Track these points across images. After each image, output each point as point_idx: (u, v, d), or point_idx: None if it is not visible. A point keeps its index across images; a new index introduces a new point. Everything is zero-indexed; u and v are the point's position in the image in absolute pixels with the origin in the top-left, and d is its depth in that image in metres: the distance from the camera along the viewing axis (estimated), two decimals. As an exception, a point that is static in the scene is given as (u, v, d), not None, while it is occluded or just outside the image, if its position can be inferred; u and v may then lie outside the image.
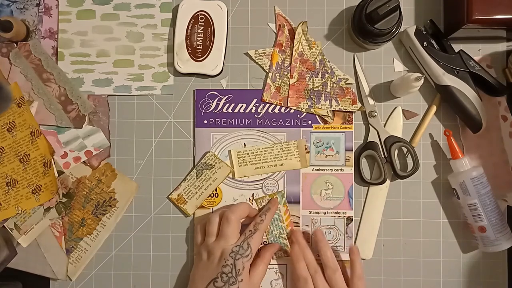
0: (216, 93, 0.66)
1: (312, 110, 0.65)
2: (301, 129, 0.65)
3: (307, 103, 0.65)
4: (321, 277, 0.59)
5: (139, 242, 0.66)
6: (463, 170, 0.62)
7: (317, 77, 0.65)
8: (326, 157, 0.65)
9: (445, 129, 0.64)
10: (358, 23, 0.62)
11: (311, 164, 0.65)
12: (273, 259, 0.64)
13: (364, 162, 0.65)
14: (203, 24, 0.65)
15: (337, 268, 0.60)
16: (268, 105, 0.66)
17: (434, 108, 0.65)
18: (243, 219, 0.62)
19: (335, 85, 0.65)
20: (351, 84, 0.65)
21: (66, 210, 0.65)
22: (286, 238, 0.64)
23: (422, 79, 0.58)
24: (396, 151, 0.65)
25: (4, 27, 0.62)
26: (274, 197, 0.65)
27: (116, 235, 0.66)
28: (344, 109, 0.65)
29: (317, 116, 0.65)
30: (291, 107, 0.65)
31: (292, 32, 0.66)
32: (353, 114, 0.65)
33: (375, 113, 0.65)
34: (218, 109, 0.66)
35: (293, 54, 0.65)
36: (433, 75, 0.62)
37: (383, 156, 0.64)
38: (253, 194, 0.65)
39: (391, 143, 0.64)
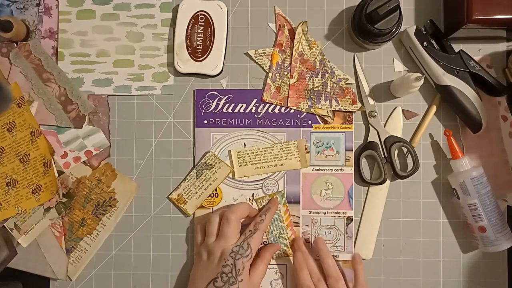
0: (216, 93, 0.66)
1: (312, 110, 0.65)
2: (301, 129, 0.65)
3: (307, 103, 0.65)
4: (323, 286, 0.59)
5: (139, 242, 0.66)
6: (463, 170, 0.62)
7: (317, 77, 0.65)
8: (326, 157, 0.65)
9: (445, 129, 0.64)
10: (358, 23, 0.62)
11: (311, 164, 0.65)
12: (273, 259, 0.64)
13: (364, 162, 0.65)
14: (203, 24, 0.65)
15: (339, 276, 0.60)
16: (268, 105, 0.66)
17: (434, 108, 0.65)
18: (243, 219, 0.62)
19: (335, 85, 0.65)
20: (351, 84, 0.65)
21: (66, 210, 0.65)
22: (286, 238, 0.64)
23: (422, 79, 0.58)
24: (396, 151, 0.65)
25: (4, 27, 0.62)
26: (274, 197, 0.65)
27: (116, 235, 0.66)
28: (344, 109, 0.65)
29: (317, 116, 0.65)
30: (291, 107, 0.65)
31: (292, 32, 0.66)
32: (353, 114, 0.65)
33: (375, 113, 0.65)
34: (218, 109, 0.66)
35: (293, 54, 0.65)
36: (433, 75, 0.62)
37: (383, 156, 0.64)
38: (253, 194, 0.65)
39: (391, 143, 0.64)
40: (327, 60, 0.65)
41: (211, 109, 0.66)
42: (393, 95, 0.65)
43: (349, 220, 0.65)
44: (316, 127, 0.65)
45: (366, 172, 0.65)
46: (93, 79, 0.66)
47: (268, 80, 0.65)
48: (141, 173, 0.66)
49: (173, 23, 0.66)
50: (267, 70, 0.66)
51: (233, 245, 0.58)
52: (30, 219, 0.64)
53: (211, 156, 0.65)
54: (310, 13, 0.66)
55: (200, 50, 0.65)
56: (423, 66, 0.63)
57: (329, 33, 0.66)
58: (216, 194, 0.66)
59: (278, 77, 0.65)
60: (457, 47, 0.63)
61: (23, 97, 0.65)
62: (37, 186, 0.64)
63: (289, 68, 0.65)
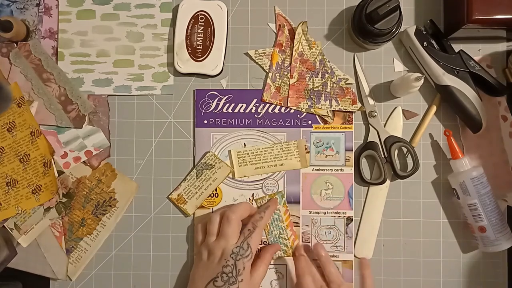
0: (216, 93, 0.66)
1: (312, 110, 0.65)
2: (301, 129, 0.65)
3: (307, 103, 0.65)
4: None
5: (139, 242, 0.66)
6: (463, 170, 0.62)
7: (317, 77, 0.65)
8: (326, 157, 0.65)
9: (445, 129, 0.64)
10: (358, 23, 0.62)
11: (311, 164, 0.65)
12: (273, 259, 0.64)
13: (364, 162, 0.65)
14: (203, 24, 0.65)
15: (342, 283, 0.60)
16: (268, 105, 0.66)
17: (434, 108, 0.65)
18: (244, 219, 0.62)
19: (335, 85, 0.65)
20: (351, 84, 0.65)
21: (66, 210, 0.65)
22: (286, 238, 0.64)
23: (422, 79, 0.58)
24: (396, 151, 0.65)
25: (4, 27, 0.62)
26: (274, 197, 0.65)
27: (116, 235, 0.66)
28: (344, 109, 0.65)
29: (317, 116, 0.65)
30: (291, 107, 0.65)
31: (292, 32, 0.66)
32: (353, 114, 0.65)
33: (375, 113, 0.65)
34: (218, 109, 0.66)
35: (293, 54, 0.65)
36: (433, 75, 0.62)
37: (383, 156, 0.64)
38: (253, 194, 0.65)
39: (391, 143, 0.64)
40: (327, 60, 0.65)
41: (211, 109, 0.66)
42: (393, 95, 0.65)
43: (349, 220, 0.65)
44: (316, 127, 0.65)
45: (366, 172, 0.65)
46: (93, 79, 0.66)
47: (268, 80, 0.65)
48: (141, 173, 0.66)
49: (173, 23, 0.66)
50: (267, 70, 0.66)
51: (234, 246, 0.58)
52: (30, 219, 0.64)
53: (211, 156, 0.65)
54: (310, 13, 0.66)
55: (200, 50, 0.65)
56: (423, 66, 0.63)
57: (329, 33, 0.66)
58: (216, 194, 0.66)
59: (278, 77, 0.65)
60: (457, 47, 0.63)
61: (23, 97, 0.65)
62: (37, 186, 0.64)
63: (289, 68, 0.65)
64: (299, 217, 0.65)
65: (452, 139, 0.63)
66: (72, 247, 0.65)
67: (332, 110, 0.65)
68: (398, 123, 0.65)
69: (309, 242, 0.65)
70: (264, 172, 0.65)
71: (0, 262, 0.61)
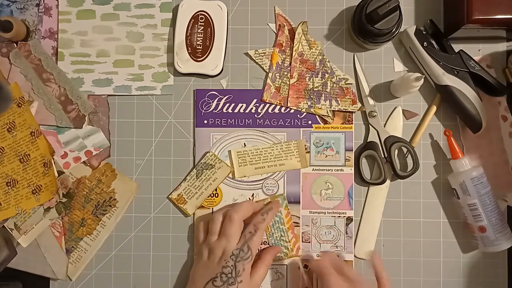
0: (216, 93, 0.66)
1: (312, 110, 0.65)
2: (301, 129, 0.65)
3: (307, 103, 0.65)
4: None
5: (139, 242, 0.66)
6: (463, 170, 0.62)
7: (317, 77, 0.65)
8: (326, 157, 0.65)
9: (445, 129, 0.64)
10: (358, 23, 0.62)
11: (311, 164, 0.65)
12: (274, 260, 0.64)
13: (364, 162, 0.65)
14: (203, 24, 0.65)
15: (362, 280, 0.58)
16: (268, 105, 0.66)
17: (434, 108, 0.65)
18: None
19: (335, 85, 0.65)
20: (351, 84, 0.65)
21: (66, 210, 0.65)
22: (287, 240, 0.64)
23: (422, 79, 0.58)
24: (396, 151, 0.65)
25: (4, 27, 0.62)
26: (276, 199, 0.65)
27: (116, 235, 0.66)
28: (344, 109, 0.65)
29: (317, 116, 0.65)
30: (291, 107, 0.65)
31: (292, 32, 0.66)
32: (353, 114, 0.65)
33: (375, 113, 0.65)
34: (218, 109, 0.66)
35: (293, 54, 0.65)
36: (433, 75, 0.62)
37: (383, 156, 0.64)
38: (253, 194, 0.65)
39: (391, 143, 0.64)
40: (327, 60, 0.65)
41: (211, 109, 0.66)
42: (393, 95, 0.65)
43: (349, 220, 0.65)
44: (316, 127, 0.65)
45: (366, 172, 0.65)
46: (93, 79, 0.66)
47: (268, 80, 0.65)
48: (141, 173, 0.66)
49: (173, 23, 0.66)
50: (267, 70, 0.66)
51: (234, 248, 0.58)
52: (30, 219, 0.64)
53: (211, 156, 0.65)
54: (310, 13, 0.66)
55: (200, 50, 0.65)
56: (423, 66, 0.63)
57: (329, 33, 0.66)
58: (216, 194, 0.66)
59: (278, 77, 0.65)
60: (457, 47, 0.63)
61: (23, 97, 0.65)
62: (37, 186, 0.64)
63: (289, 68, 0.65)
64: (299, 217, 0.65)
65: (452, 139, 0.63)
66: (72, 247, 0.65)
67: (332, 110, 0.65)
68: (398, 123, 0.65)
69: (309, 242, 0.65)
70: (264, 172, 0.65)
71: (0, 262, 0.61)
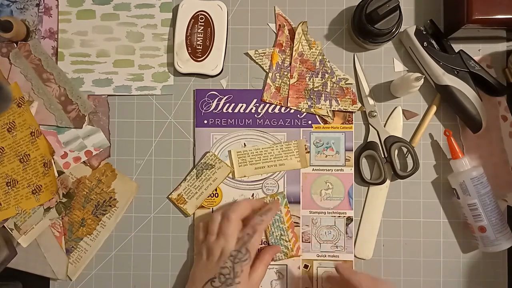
0: (216, 93, 0.66)
1: (312, 110, 0.65)
2: (301, 129, 0.65)
3: (307, 103, 0.65)
4: None
5: (139, 242, 0.66)
6: (463, 170, 0.62)
7: (317, 77, 0.65)
8: (326, 157, 0.65)
9: (445, 129, 0.64)
10: (358, 23, 0.62)
11: (311, 164, 0.65)
12: (273, 260, 0.64)
13: (364, 162, 0.65)
14: (203, 24, 0.65)
15: None
16: (268, 105, 0.66)
17: (434, 108, 0.65)
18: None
19: (335, 85, 0.65)
20: (351, 84, 0.65)
21: (66, 210, 0.65)
22: (287, 240, 0.64)
23: (422, 79, 0.58)
24: (396, 151, 0.65)
25: (4, 27, 0.62)
26: (276, 198, 0.65)
27: (116, 235, 0.66)
28: (344, 109, 0.65)
29: (317, 116, 0.65)
30: (291, 107, 0.65)
31: (292, 32, 0.66)
32: (353, 114, 0.65)
33: (375, 113, 0.65)
34: (218, 109, 0.66)
35: (293, 54, 0.65)
36: (433, 75, 0.62)
37: (383, 156, 0.64)
38: (253, 194, 0.65)
39: (391, 143, 0.64)
40: (327, 60, 0.65)
41: (211, 109, 0.66)
42: (393, 95, 0.65)
43: (349, 220, 0.65)
44: (316, 127, 0.65)
45: (366, 172, 0.65)
46: (93, 79, 0.66)
47: (268, 80, 0.65)
48: (141, 173, 0.66)
49: (173, 23, 0.66)
50: (267, 70, 0.66)
51: (232, 248, 0.58)
52: (30, 219, 0.64)
53: (211, 156, 0.65)
54: (310, 13, 0.66)
55: (200, 50, 0.65)
56: (423, 66, 0.63)
57: (329, 33, 0.66)
58: (216, 194, 0.66)
59: (278, 77, 0.65)
60: (457, 47, 0.63)
61: (23, 97, 0.65)
62: (37, 186, 0.64)
63: (289, 68, 0.65)
64: (299, 217, 0.65)
65: (452, 139, 0.63)
66: (72, 247, 0.65)
67: (332, 110, 0.65)
68: (398, 123, 0.65)
69: (309, 242, 0.65)
70: (264, 172, 0.65)
71: (0, 262, 0.61)
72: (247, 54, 0.66)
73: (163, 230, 0.66)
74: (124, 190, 0.66)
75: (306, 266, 0.65)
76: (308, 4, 0.66)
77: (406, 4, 0.66)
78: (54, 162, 0.65)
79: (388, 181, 0.65)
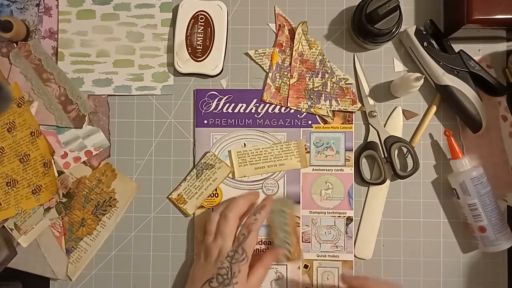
0: (216, 93, 0.66)
1: (312, 110, 0.65)
2: (301, 129, 0.65)
3: (307, 103, 0.65)
4: None
5: (139, 242, 0.66)
6: (463, 170, 0.62)
7: (317, 77, 0.65)
8: (326, 157, 0.65)
9: (445, 129, 0.64)
10: (358, 23, 0.62)
11: (311, 164, 0.65)
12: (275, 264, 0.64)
13: (364, 162, 0.65)
14: (203, 24, 0.65)
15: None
16: (268, 105, 0.66)
17: (434, 108, 0.65)
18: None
19: (335, 85, 0.65)
20: (351, 84, 0.65)
21: (66, 210, 0.65)
22: (290, 244, 0.63)
23: (422, 79, 0.58)
24: (396, 151, 0.65)
25: (4, 27, 0.62)
26: (286, 200, 0.64)
27: (116, 235, 0.66)
28: (344, 109, 0.65)
29: (317, 116, 0.65)
30: (291, 107, 0.65)
31: (292, 32, 0.66)
32: (353, 114, 0.65)
33: (375, 113, 0.65)
34: (218, 109, 0.66)
35: (293, 54, 0.65)
36: (433, 75, 0.62)
37: (383, 156, 0.64)
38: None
39: (391, 143, 0.64)
40: (327, 60, 0.65)
41: (211, 109, 0.66)
42: (393, 95, 0.65)
43: (349, 220, 0.65)
44: (316, 127, 0.65)
45: (366, 172, 0.65)
46: (93, 79, 0.66)
47: (268, 80, 0.65)
48: (141, 173, 0.66)
49: (173, 23, 0.66)
50: (267, 70, 0.66)
51: (229, 248, 0.57)
52: (30, 219, 0.64)
53: (211, 156, 0.65)
54: (310, 13, 0.66)
55: (200, 50, 0.65)
56: (423, 66, 0.63)
57: (329, 33, 0.66)
58: (216, 194, 0.66)
59: (278, 77, 0.65)
60: (457, 47, 0.63)
61: (23, 97, 0.65)
62: (37, 186, 0.64)
63: (289, 68, 0.65)
64: (299, 217, 0.65)
65: (452, 139, 0.63)
66: (72, 247, 0.65)
67: (332, 110, 0.65)
68: (398, 123, 0.65)
69: (309, 242, 0.65)
70: (264, 172, 0.65)
71: (0, 262, 0.61)
72: (247, 54, 0.66)
73: (163, 230, 0.66)
74: (124, 190, 0.66)
75: (306, 266, 0.65)
76: (308, 4, 0.66)
77: (406, 4, 0.66)
78: (54, 162, 0.65)
79: (388, 181, 0.65)
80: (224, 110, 0.66)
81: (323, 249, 0.65)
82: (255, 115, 0.66)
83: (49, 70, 0.66)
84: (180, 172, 0.66)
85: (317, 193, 0.65)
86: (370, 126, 0.65)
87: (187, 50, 0.65)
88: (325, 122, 0.65)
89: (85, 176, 0.66)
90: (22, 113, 0.65)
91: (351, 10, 0.64)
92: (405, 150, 0.65)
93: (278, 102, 0.65)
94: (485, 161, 0.64)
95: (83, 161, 0.66)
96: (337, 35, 0.66)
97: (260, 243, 0.65)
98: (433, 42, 0.63)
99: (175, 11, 0.66)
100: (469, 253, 0.65)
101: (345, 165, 0.65)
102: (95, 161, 0.66)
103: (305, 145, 0.65)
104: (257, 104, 0.66)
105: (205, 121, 0.66)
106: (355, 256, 0.65)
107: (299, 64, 0.65)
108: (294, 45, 0.65)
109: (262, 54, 0.66)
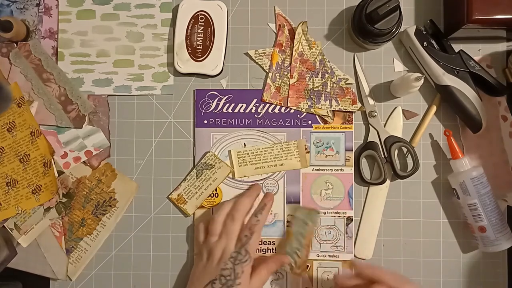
0: (216, 93, 0.66)
1: (312, 110, 0.65)
2: (301, 129, 0.65)
3: (307, 103, 0.65)
4: None
5: (139, 242, 0.66)
6: (463, 170, 0.62)
7: (317, 77, 0.65)
8: (326, 157, 0.65)
9: (445, 129, 0.64)
10: (358, 23, 0.62)
11: (311, 164, 0.65)
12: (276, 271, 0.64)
13: (364, 162, 0.65)
14: (203, 24, 0.65)
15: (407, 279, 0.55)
16: (268, 105, 0.66)
17: (434, 108, 0.65)
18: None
19: (335, 85, 0.65)
20: (351, 84, 0.65)
21: (66, 210, 0.65)
22: (299, 256, 0.62)
23: (422, 79, 0.58)
24: (396, 151, 0.65)
25: (4, 27, 0.62)
26: (313, 213, 0.63)
27: (116, 235, 0.66)
28: (344, 109, 0.65)
29: (317, 116, 0.65)
30: (291, 107, 0.65)
31: (292, 32, 0.66)
32: (353, 114, 0.65)
33: (375, 113, 0.65)
34: (218, 109, 0.66)
35: (293, 54, 0.65)
36: (433, 75, 0.62)
37: (383, 156, 0.64)
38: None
39: (391, 143, 0.64)
40: (327, 60, 0.65)
41: (211, 109, 0.66)
42: (393, 95, 0.65)
43: (349, 220, 0.65)
44: (316, 127, 0.65)
45: (366, 172, 0.65)
46: (93, 79, 0.66)
47: (268, 80, 0.65)
48: (141, 173, 0.66)
49: (173, 23, 0.66)
50: (267, 70, 0.66)
51: (233, 250, 0.58)
52: (30, 219, 0.64)
53: (211, 156, 0.65)
54: (310, 13, 0.66)
55: (200, 50, 0.65)
56: (423, 66, 0.63)
57: (329, 33, 0.66)
58: (216, 194, 0.66)
59: (278, 77, 0.65)
60: (457, 47, 0.63)
61: (23, 97, 0.65)
62: (37, 186, 0.64)
63: (289, 68, 0.65)
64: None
65: (452, 139, 0.63)
66: (72, 247, 0.65)
67: (332, 110, 0.65)
68: (398, 123, 0.65)
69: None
70: (264, 172, 0.65)
71: (0, 262, 0.61)
72: (247, 54, 0.66)
73: (163, 230, 0.66)
74: (124, 190, 0.66)
75: (306, 266, 0.65)
76: (308, 4, 0.66)
77: (406, 4, 0.66)
78: (54, 162, 0.65)
79: (388, 181, 0.65)
80: (224, 110, 0.66)
81: (323, 249, 0.65)
82: (255, 115, 0.66)
83: (49, 70, 0.66)
84: (180, 172, 0.66)
85: (317, 193, 0.65)
86: (370, 126, 0.65)
87: (187, 50, 0.65)
88: (325, 122, 0.65)
89: (85, 176, 0.66)
90: (22, 113, 0.65)
91: (351, 10, 0.64)
92: (405, 150, 0.65)
93: (278, 102, 0.65)
94: (485, 161, 0.64)
95: (83, 161, 0.66)
96: (337, 35, 0.66)
97: (260, 243, 0.65)
98: (433, 42, 0.63)
99: (175, 11, 0.66)
100: (469, 253, 0.65)
101: (345, 165, 0.65)
102: (95, 161, 0.66)
103: (305, 145, 0.65)
104: (257, 104, 0.66)
105: (205, 121, 0.66)
106: (355, 256, 0.65)
107: (299, 64, 0.65)
108: (294, 45, 0.65)
109: (262, 54, 0.66)
